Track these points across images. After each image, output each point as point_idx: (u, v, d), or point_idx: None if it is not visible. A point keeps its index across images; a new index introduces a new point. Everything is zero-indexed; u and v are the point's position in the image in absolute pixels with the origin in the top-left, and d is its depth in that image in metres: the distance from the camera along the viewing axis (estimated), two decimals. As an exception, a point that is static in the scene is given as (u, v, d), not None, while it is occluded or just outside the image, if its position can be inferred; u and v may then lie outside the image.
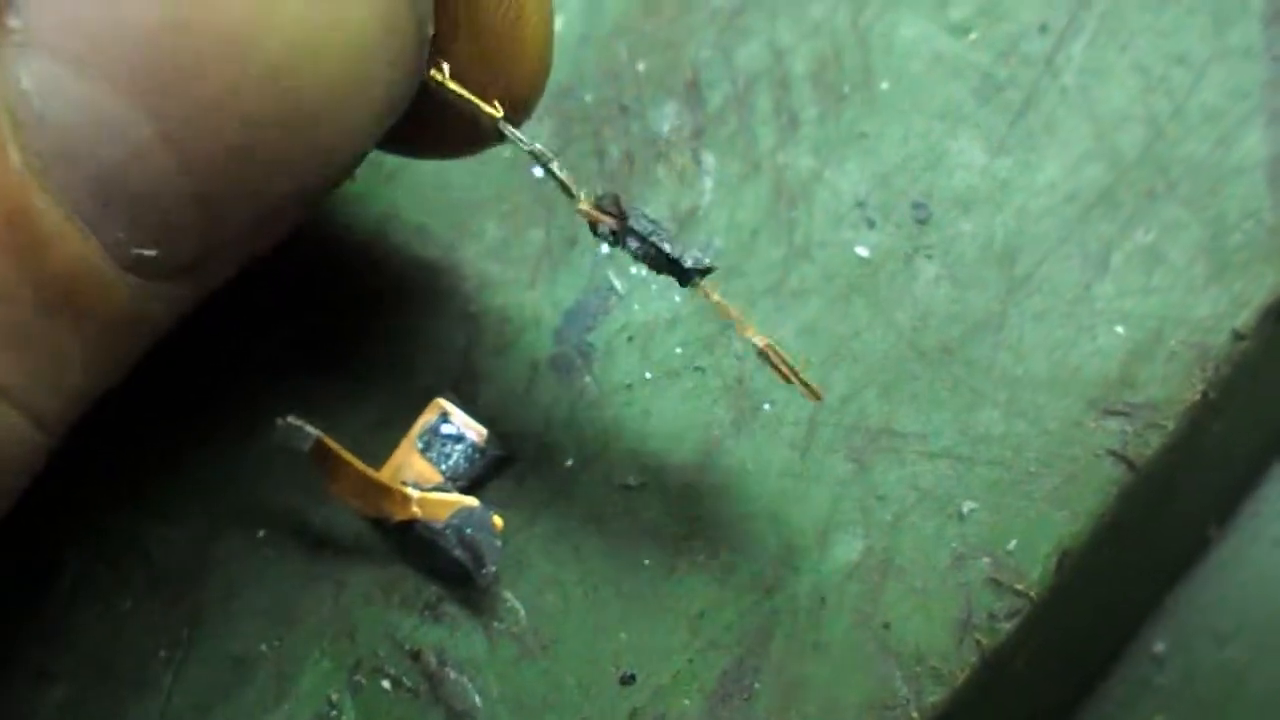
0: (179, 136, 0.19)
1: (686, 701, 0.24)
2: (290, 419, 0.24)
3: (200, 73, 0.19)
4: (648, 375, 0.27)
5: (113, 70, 0.19)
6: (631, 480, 0.26)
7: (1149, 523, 0.27)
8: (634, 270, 0.28)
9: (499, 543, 0.25)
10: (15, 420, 0.20)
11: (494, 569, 0.25)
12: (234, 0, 0.19)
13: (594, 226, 0.23)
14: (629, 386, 0.27)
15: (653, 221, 0.23)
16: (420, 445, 0.26)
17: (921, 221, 0.28)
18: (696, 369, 0.27)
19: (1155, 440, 0.25)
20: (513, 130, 0.23)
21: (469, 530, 0.25)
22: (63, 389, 0.21)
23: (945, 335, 0.27)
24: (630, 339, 0.27)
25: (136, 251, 0.20)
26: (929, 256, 0.28)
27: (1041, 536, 0.25)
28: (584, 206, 0.23)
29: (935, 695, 0.24)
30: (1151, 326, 0.26)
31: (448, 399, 0.26)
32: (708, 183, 0.29)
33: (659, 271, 0.22)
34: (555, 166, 0.23)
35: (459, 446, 0.26)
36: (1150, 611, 0.32)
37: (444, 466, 0.26)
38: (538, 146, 0.23)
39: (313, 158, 0.21)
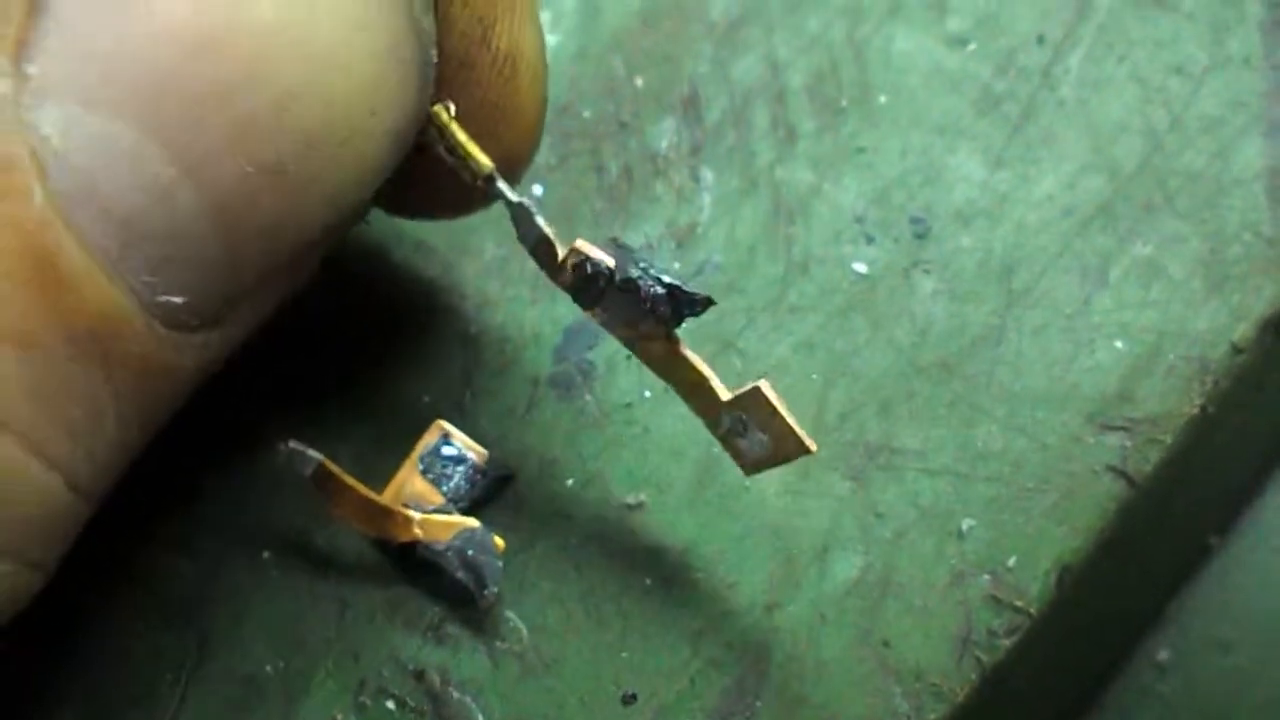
0: (198, 171, 0.19)
1: (689, 718, 0.24)
2: (292, 444, 0.24)
3: (215, 105, 0.19)
4: (647, 394, 0.27)
5: (127, 106, 0.19)
6: (631, 499, 0.26)
7: (1149, 535, 0.27)
8: (633, 287, 0.28)
9: (500, 563, 0.25)
10: (50, 482, 0.20)
11: (496, 589, 0.25)
12: (244, 32, 0.19)
13: (578, 289, 0.23)
14: (628, 405, 0.27)
15: (646, 258, 0.23)
16: (421, 467, 0.26)
17: (920, 236, 0.28)
18: (696, 387, 0.27)
19: (1154, 455, 0.25)
20: (503, 184, 0.23)
21: (471, 551, 0.25)
22: (96, 448, 0.20)
23: (944, 351, 0.27)
24: (629, 357, 0.27)
25: (164, 299, 0.20)
26: (927, 271, 0.28)
27: (1041, 553, 0.25)
28: (580, 245, 0.23)
29: (936, 713, 0.24)
30: (1150, 341, 0.26)
31: (448, 420, 0.26)
32: (706, 199, 0.29)
33: (649, 314, 0.22)
34: (541, 221, 0.23)
35: (460, 468, 0.26)
36: (1152, 620, 0.32)
37: (445, 488, 0.26)
38: (526, 201, 0.23)
39: (328, 189, 0.21)
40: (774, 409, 0.22)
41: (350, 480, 0.25)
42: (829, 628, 0.25)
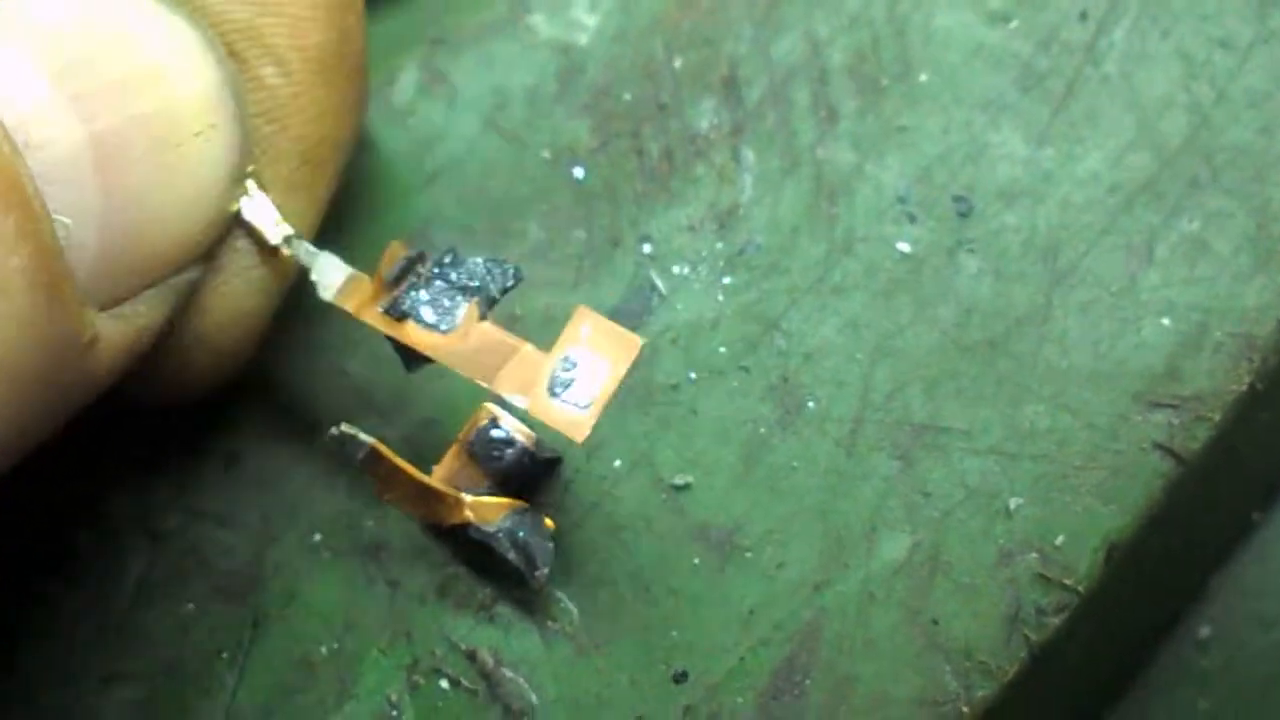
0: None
1: (739, 699, 0.24)
2: (344, 427, 0.25)
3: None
4: (692, 375, 0.27)
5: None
6: (679, 480, 0.26)
7: (1194, 512, 0.27)
8: (676, 269, 0.28)
9: (550, 544, 0.25)
10: None
11: (547, 570, 0.25)
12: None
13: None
14: (674, 387, 0.27)
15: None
16: (470, 450, 0.26)
17: (963, 215, 0.28)
18: (741, 368, 0.27)
19: (1202, 433, 0.25)
20: (300, 242, 0.25)
21: (521, 533, 0.25)
22: None
23: (989, 330, 0.27)
24: (674, 340, 0.27)
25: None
26: (971, 250, 0.28)
27: (1089, 531, 0.25)
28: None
29: (985, 690, 0.24)
30: (1197, 318, 0.26)
31: (496, 403, 0.27)
32: (748, 179, 0.29)
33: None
34: (305, 249, 0.25)
35: (509, 450, 0.26)
36: (1194, 597, 0.32)
37: (494, 470, 0.26)
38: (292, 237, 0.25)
39: (179, 214, 0.23)
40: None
41: (401, 463, 0.25)
42: (878, 606, 0.25)
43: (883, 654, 0.24)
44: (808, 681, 0.24)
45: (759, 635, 0.25)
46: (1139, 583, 0.27)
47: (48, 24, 0.22)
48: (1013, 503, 0.25)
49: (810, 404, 0.27)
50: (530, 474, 0.26)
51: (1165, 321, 0.26)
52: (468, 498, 0.25)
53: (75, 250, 0.21)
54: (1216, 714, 0.31)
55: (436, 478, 0.26)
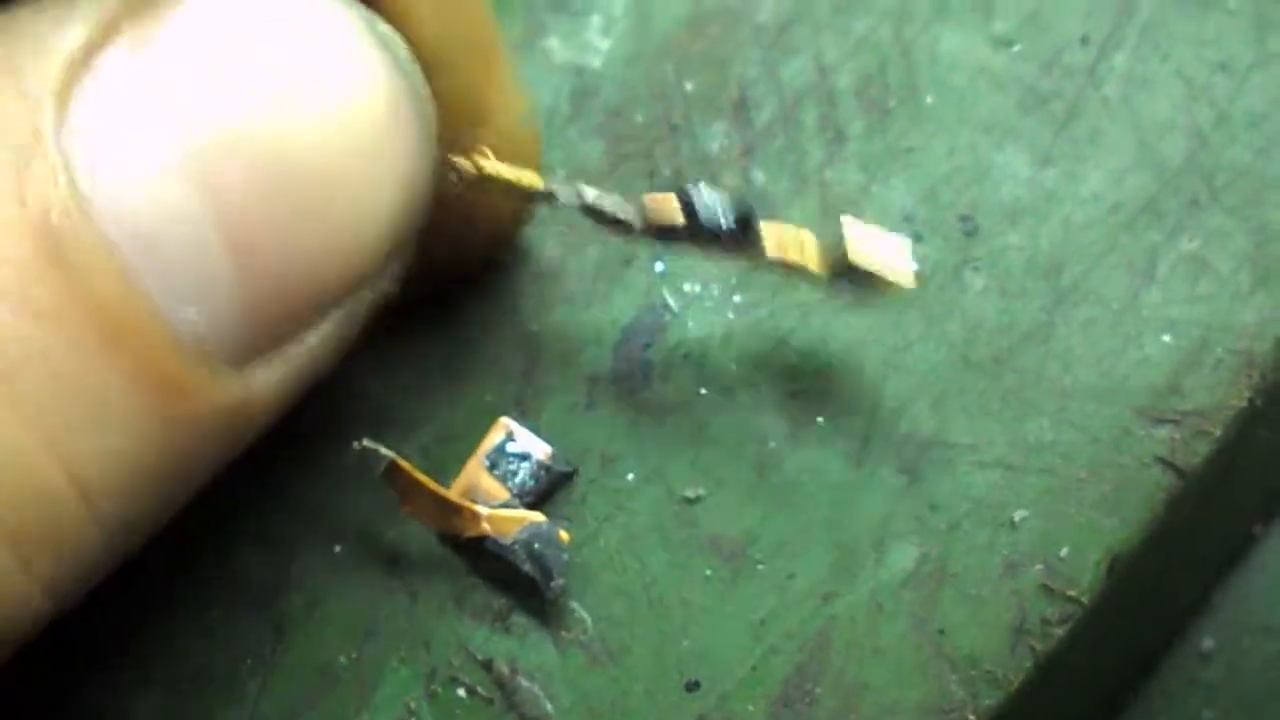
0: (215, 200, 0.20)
1: (750, 707, 0.25)
2: (366, 442, 0.25)
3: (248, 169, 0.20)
4: (703, 391, 0.28)
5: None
6: (691, 493, 0.27)
7: (1196, 524, 0.28)
8: (687, 287, 0.29)
9: (565, 556, 0.26)
10: (52, 476, 0.20)
11: (561, 581, 0.26)
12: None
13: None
14: (686, 403, 0.28)
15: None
16: (487, 464, 0.27)
17: (969, 234, 0.29)
18: (751, 384, 0.28)
19: (1203, 448, 0.26)
20: (561, 188, 0.25)
21: (537, 545, 0.26)
22: (112, 466, 0.20)
23: (995, 346, 0.27)
24: (686, 355, 0.28)
25: (182, 312, 0.20)
26: (977, 269, 0.28)
27: (1092, 543, 0.25)
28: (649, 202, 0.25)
29: (991, 699, 0.25)
30: (1198, 335, 0.27)
31: (512, 418, 0.27)
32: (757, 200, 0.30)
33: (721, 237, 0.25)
34: (607, 205, 0.24)
35: (525, 464, 0.27)
36: (1197, 609, 0.32)
37: (511, 484, 0.27)
38: (588, 194, 0.24)
39: (337, 240, 0.22)
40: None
41: (420, 477, 0.26)
42: (886, 617, 0.25)
43: (891, 663, 0.25)
44: (818, 689, 0.25)
45: (770, 644, 0.25)
46: (1142, 595, 0.28)
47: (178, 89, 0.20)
48: (1018, 515, 0.26)
49: (820, 419, 0.27)
50: (546, 487, 0.27)
51: (1166, 338, 0.27)
52: (485, 511, 0.26)
53: (206, 326, 0.21)
54: (1220, 724, 0.31)
55: (455, 491, 0.27)
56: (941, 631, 0.25)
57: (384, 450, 0.25)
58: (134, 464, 0.20)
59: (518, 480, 0.27)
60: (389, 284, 0.24)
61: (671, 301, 0.29)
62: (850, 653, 0.25)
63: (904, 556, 0.26)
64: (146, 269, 0.20)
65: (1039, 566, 0.25)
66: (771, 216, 0.29)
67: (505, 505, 0.26)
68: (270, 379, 0.22)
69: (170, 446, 0.21)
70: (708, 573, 0.26)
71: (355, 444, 0.25)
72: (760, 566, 0.26)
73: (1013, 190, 0.29)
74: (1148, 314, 0.27)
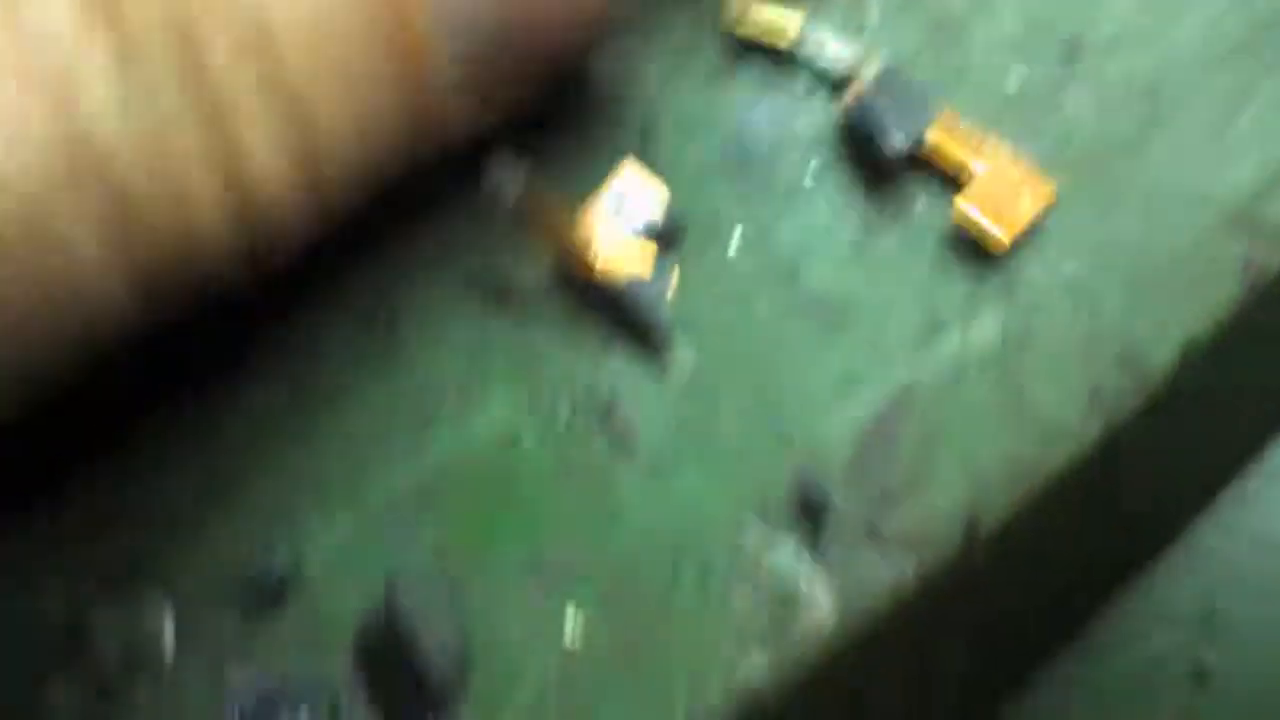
0: None
1: (836, 446, 0.26)
2: (499, 167, 0.27)
3: None
4: (808, 183, 0.30)
5: None
6: (792, 254, 0.29)
7: (1263, 341, 0.29)
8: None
9: (671, 299, 0.28)
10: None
11: (668, 326, 0.27)
12: None
13: None
14: (797, 179, 0.29)
15: None
16: (610, 206, 0.29)
17: (1070, 57, 0.30)
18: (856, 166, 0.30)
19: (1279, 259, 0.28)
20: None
21: (646, 288, 0.28)
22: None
23: (1089, 154, 0.29)
24: (796, 143, 0.30)
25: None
26: (1076, 87, 0.30)
27: (1170, 327, 0.27)
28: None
29: (1063, 454, 0.26)
30: (1283, 159, 0.29)
31: (634, 163, 0.29)
32: (874, 11, 0.32)
33: None
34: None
35: (644, 210, 0.28)
36: (1249, 460, 0.34)
37: (630, 228, 0.28)
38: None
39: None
40: None
41: (549, 209, 0.27)
42: (970, 374, 0.27)
43: (971, 416, 0.27)
44: (902, 430, 0.26)
45: (856, 394, 0.27)
46: (1210, 400, 0.29)
47: None
48: (1102, 295, 0.27)
49: (918, 204, 0.29)
50: (663, 233, 0.29)
51: (1253, 160, 0.29)
52: (602, 252, 0.28)
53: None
54: None
55: (577, 228, 0.29)
56: (1021, 391, 0.27)
57: (516, 177, 0.27)
58: (359, 110, 0.25)
59: (637, 225, 0.28)
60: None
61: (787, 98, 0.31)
62: (933, 405, 0.27)
63: (990, 325, 0.27)
64: None
65: (1118, 343, 0.27)
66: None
67: (622, 249, 0.28)
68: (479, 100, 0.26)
69: (392, 109, 0.25)
70: (804, 327, 0.28)
71: (491, 161, 0.27)
72: (852, 325, 0.28)
73: (1116, 24, 0.31)
74: (1237, 138, 0.29)
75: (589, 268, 0.28)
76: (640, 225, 0.28)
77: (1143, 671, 0.31)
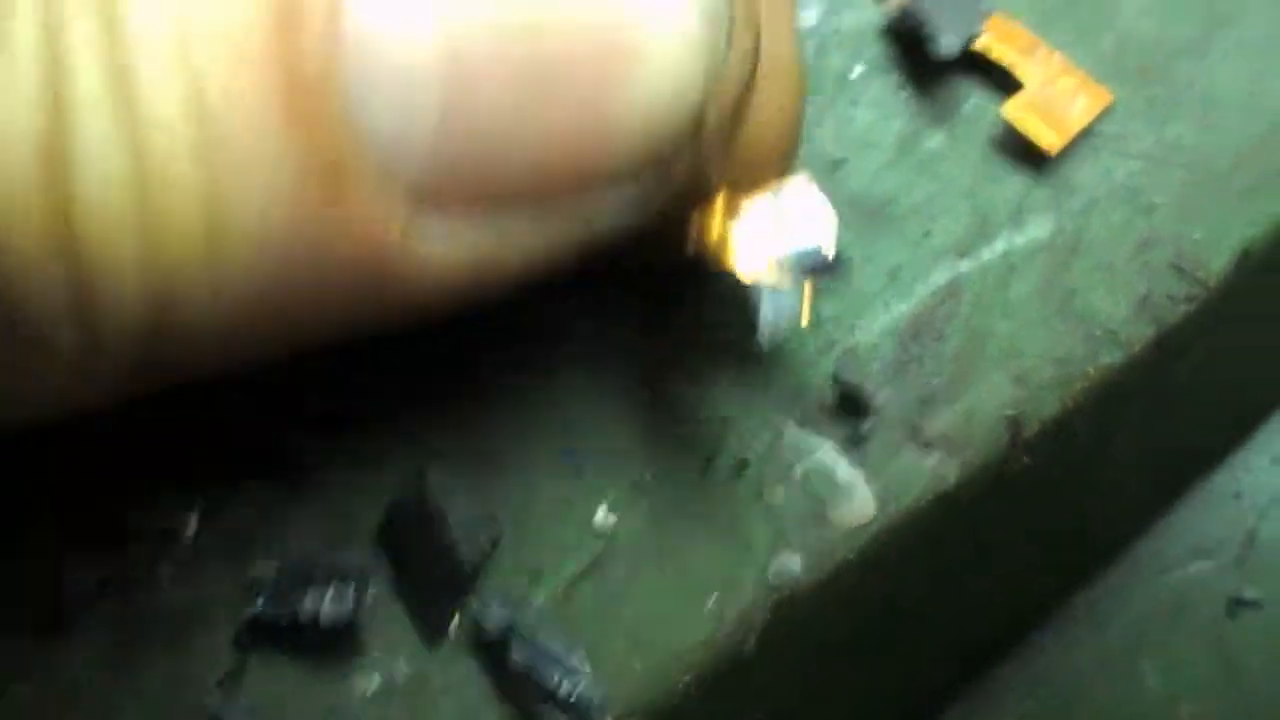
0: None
1: (880, 339, 0.26)
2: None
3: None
4: (858, 69, 0.29)
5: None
6: (836, 155, 0.28)
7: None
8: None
9: (785, 325, 0.23)
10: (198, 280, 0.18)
11: (767, 342, 0.23)
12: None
13: None
14: (841, 77, 0.29)
15: None
16: (768, 205, 0.24)
17: (1129, -39, 0.30)
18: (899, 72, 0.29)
19: (1341, 164, 0.27)
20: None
21: (769, 297, 0.23)
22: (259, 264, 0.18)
23: (1146, 58, 0.28)
24: (839, 41, 0.29)
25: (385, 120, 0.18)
26: (1134, -8, 0.29)
27: (1225, 234, 0.26)
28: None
29: (1111, 358, 0.25)
30: (1346, 69, 0.28)
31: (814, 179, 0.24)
32: (926, -87, 0.31)
33: None
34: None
35: (802, 224, 0.24)
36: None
37: (780, 236, 0.24)
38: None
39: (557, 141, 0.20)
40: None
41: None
42: (1017, 275, 0.26)
43: (1018, 315, 0.26)
44: (947, 329, 0.26)
45: (902, 290, 0.26)
46: (1268, 304, 0.28)
47: None
48: (1155, 200, 0.27)
49: (967, 104, 0.28)
50: (809, 259, 0.24)
51: (1315, 70, 0.28)
52: (742, 244, 0.23)
53: (389, 138, 0.18)
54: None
55: (729, 215, 0.24)
56: (1071, 293, 0.26)
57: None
58: (268, 237, 0.18)
59: (788, 236, 0.23)
60: (622, 214, 0.21)
61: (832, -6, 0.30)
62: (979, 303, 0.26)
63: (1040, 227, 0.27)
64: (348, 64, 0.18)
65: (1171, 248, 0.26)
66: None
67: (762, 252, 0.23)
68: (442, 244, 0.20)
69: (310, 223, 0.19)
70: (846, 226, 0.27)
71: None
72: (897, 224, 0.27)
73: (1175, -69, 0.30)
74: (1298, 46, 0.28)
75: (724, 260, 0.23)
76: (792, 238, 0.24)
77: (1178, 598, 0.31)
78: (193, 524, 0.25)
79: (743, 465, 0.25)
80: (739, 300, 0.25)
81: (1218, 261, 0.26)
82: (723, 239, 0.23)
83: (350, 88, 0.18)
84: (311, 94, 0.18)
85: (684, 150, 0.21)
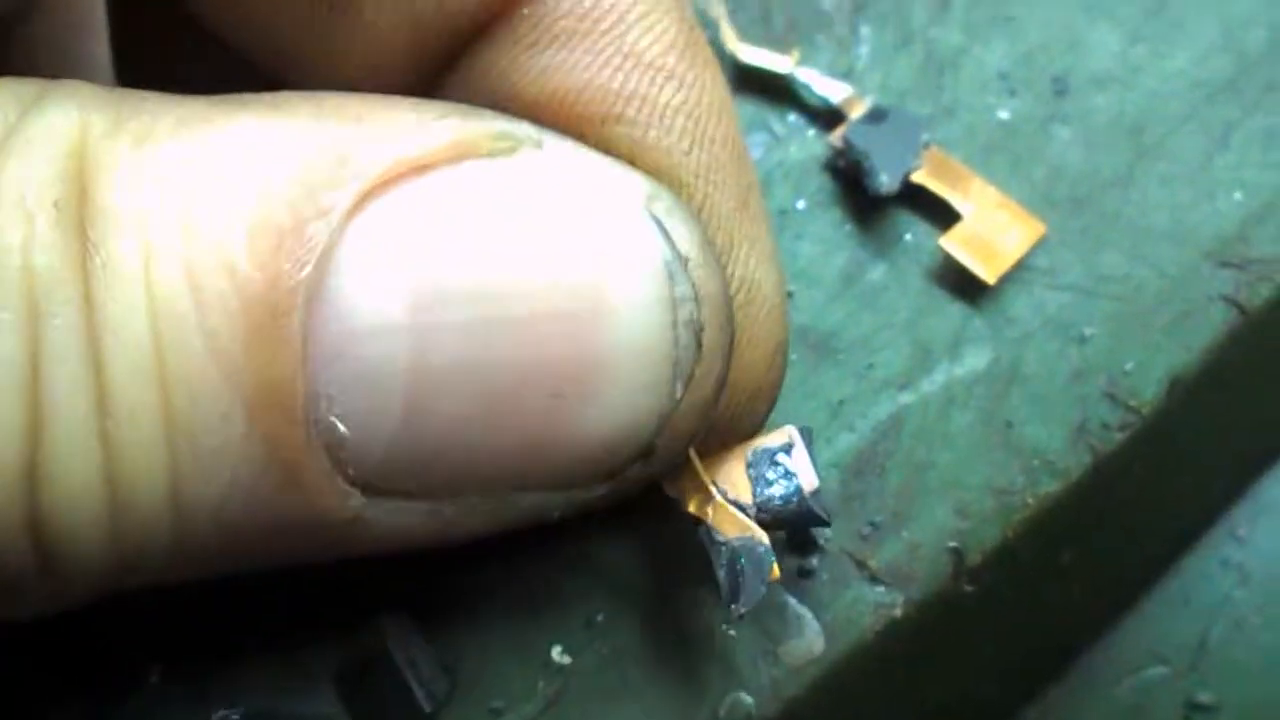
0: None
1: (824, 473, 0.27)
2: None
3: None
4: (800, 204, 0.30)
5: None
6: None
7: (1253, 366, 0.30)
8: (792, 118, 0.31)
9: (764, 589, 0.23)
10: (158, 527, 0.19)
11: (745, 610, 0.23)
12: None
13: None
14: (784, 212, 0.30)
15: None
16: (749, 459, 0.25)
17: (1059, 93, 0.31)
18: (842, 210, 0.30)
19: (1265, 290, 0.28)
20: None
21: (742, 560, 0.23)
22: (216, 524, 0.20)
23: (1076, 190, 0.29)
24: (785, 175, 0.30)
25: (331, 418, 0.20)
26: (1065, 123, 0.30)
27: (1156, 362, 0.27)
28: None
29: (1050, 487, 0.26)
30: (1267, 196, 0.29)
31: (802, 436, 0.25)
32: (863, 50, 0.32)
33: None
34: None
35: (784, 483, 0.24)
36: (1240, 490, 0.34)
37: (759, 492, 0.24)
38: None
39: (515, 453, 0.21)
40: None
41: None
42: (957, 407, 0.27)
43: (958, 447, 0.27)
44: (889, 463, 0.27)
45: (846, 423, 0.27)
46: (1197, 430, 0.29)
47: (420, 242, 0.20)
48: (1087, 331, 0.28)
49: (907, 236, 0.29)
50: (790, 518, 0.24)
51: (1237, 195, 0.29)
52: (717, 499, 0.24)
53: (351, 442, 0.20)
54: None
55: (707, 466, 0.25)
56: (1009, 424, 0.27)
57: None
58: (228, 516, 0.20)
59: (767, 493, 0.24)
60: (574, 506, 0.23)
61: (776, 128, 0.31)
62: (920, 436, 0.27)
63: (977, 358, 0.28)
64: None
65: (1104, 377, 0.27)
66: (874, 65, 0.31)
67: (740, 507, 0.24)
68: (393, 517, 0.21)
69: (269, 504, 0.20)
70: (794, 358, 0.28)
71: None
72: (841, 357, 0.28)
73: (1103, 61, 0.31)
74: (1222, 174, 0.29)
75: (697, 510, 0.24)
76: (771, 496, 0.24)
77: (1134, 705, 0.31)
78: (155, 671, 0.26)
79: (693, 602, 0.26)
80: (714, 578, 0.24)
81: (1150, 390, 0.27)
82: (699, 490, 0.24)
83: (317, 392, 0.20)
84: (277, 396, 0.19)
85: (636, 466, 0.22)
